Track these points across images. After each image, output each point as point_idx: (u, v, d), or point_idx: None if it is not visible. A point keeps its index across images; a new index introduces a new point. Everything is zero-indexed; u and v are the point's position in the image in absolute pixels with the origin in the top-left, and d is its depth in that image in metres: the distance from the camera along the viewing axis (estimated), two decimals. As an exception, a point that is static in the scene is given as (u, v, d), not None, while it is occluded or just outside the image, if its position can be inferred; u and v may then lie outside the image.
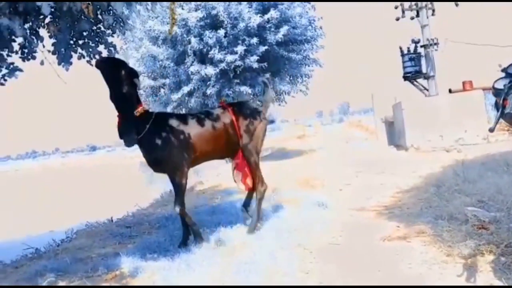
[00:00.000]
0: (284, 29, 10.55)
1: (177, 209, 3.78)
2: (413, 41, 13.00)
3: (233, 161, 4.18)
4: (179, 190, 3.80)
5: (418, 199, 4.88)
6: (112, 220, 5.74)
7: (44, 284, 3.30)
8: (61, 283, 3.27)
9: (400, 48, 13.26)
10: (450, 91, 11.97)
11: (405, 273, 2.82)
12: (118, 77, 3.60)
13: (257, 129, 4.08)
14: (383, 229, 3.83)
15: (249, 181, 4.20)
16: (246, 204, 4.36)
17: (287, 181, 7.45)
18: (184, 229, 3.95)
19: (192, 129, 3.85)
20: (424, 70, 13.09)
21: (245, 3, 10.27)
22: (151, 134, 3.70)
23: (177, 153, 3.75)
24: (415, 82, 13.41)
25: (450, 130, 10.20)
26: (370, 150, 12.48)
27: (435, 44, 12.56)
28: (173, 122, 3.83)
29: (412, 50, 13.11)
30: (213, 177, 9.45)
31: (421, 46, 12.82)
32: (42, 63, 3.85)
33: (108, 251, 4.06)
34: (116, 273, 3.33)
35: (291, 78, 12.47)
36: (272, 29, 10.58)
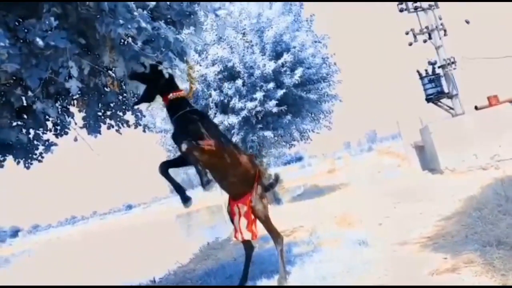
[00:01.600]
0: (299, 71, 10.76)
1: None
2: (429, 63, 12.96)
3: (238, 204, 4.05)
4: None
5: (462, 225, 4.69)
6: (154, 281, 5.75)
7: None
8: None
9: (418, 71, 13.22)
10: (476, 108, 11.72)
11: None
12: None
13: (264, 195, 4.21)
14: (430, 262, 3.68)
15: (254, 229, 4.05)
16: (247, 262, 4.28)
17: (324, 220, 7.34)
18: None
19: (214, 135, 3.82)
20: (446, 90, 12.93)
21: (258, 52, 10.55)
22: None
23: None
24: (439, 103, 13.22)
25: (483, 147, 9.89)
26: (404, 177, 12.21)
27: (453, 63, 12.47)
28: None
29: (430, 72, 13.05)
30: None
31: (439, 67, 12.75)
32: (75, 139, 4.06)
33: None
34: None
35: (313, 115, 12.56)
36: (288, 72, 10.81)
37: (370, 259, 4.15)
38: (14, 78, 3.52)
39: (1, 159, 4.54)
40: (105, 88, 4.18)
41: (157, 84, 3.85)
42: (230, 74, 10.99)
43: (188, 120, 3.81)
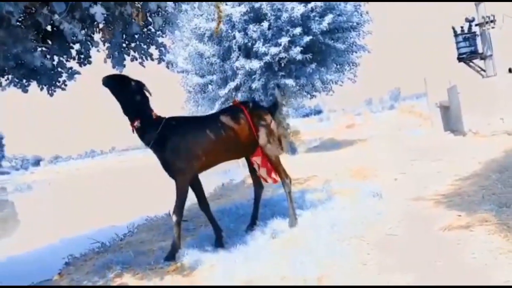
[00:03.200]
0: (328, 17, 10.34)
1: (174, 218, 3.74)
2: (466, 19, 12.31)
3: (253, 159, 4.12)
4: (179, 197, 3.75)
5: (479, 186, 4.65)
6: (169, 214, 5.96)
7: (111, 275, 3.51)
8: (126, 275, 3.46)
9: (453, 28, 12.60)
10: (510, 70, 11.22)
11: (468, 263, 2.70)
12: (128, 90, 3.80)
13: (272, 127, 4.07)
14: (442, 218, 3.68)
15: (274, 175, 4.21)
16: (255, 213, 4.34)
17: (339, 171, 7.37)
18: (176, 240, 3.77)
19: (203, 133, 3.82)
20: (480, 50, 12.36)
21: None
22: (161, 138, 3.73)
23: (183, 159, 3.73)
24: (470, 63, 12.70)
25: (511, 112, 9.58)
26: (425, 136, 12.03)
27: (492, 21, 11.80)
28: (183, 127, 3.84)
29: (466, 30, 12.42)
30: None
31: (476, 25, 12.10)
32: (105, 61, 4.06)
33: (168, 244, 4.22)
34: (177, 265, 3.47)
35: (338, 66, 12.23)
36: (317, 18, 10.40)
37: (382, 210, 4.19)
38: (40, 1, 3.47)
39: (26, 84, 4.60)
40: (131, 20, 4.10)
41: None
42: (256, 16, 10.65)
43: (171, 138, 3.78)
